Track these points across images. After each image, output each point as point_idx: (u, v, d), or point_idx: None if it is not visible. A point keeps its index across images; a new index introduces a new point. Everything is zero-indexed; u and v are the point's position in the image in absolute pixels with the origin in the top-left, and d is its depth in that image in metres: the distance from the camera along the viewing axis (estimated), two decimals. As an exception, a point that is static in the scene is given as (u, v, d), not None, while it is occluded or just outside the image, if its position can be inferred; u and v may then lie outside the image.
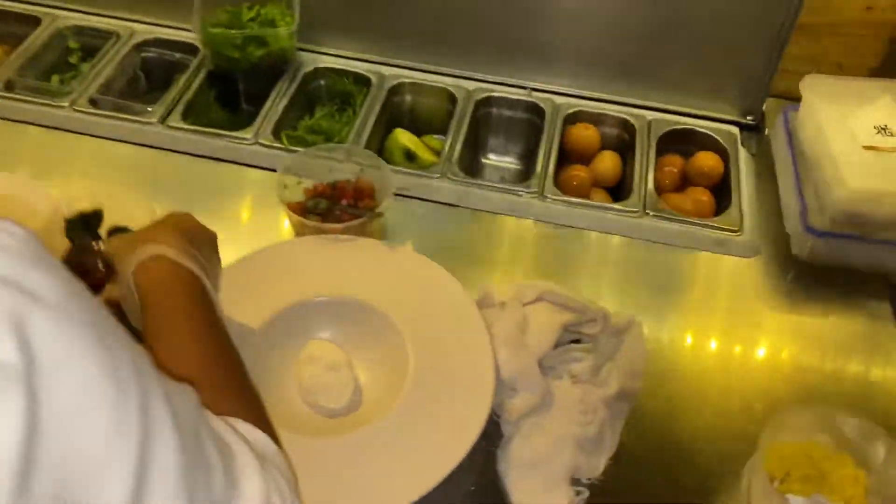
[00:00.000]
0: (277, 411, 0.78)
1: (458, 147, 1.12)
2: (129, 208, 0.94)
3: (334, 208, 0.98)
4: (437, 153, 1.21)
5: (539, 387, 0.82)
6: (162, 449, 0.36)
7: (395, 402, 0.79)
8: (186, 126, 1.13)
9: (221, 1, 1.20)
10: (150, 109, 1.14)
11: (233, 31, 1.16)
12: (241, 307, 0.84)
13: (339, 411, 0.81)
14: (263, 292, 0.87)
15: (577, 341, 0.89)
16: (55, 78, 1.24)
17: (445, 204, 1.07)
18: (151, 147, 1.12)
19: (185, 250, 0.64)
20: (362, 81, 1.23)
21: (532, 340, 0.85)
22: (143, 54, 1.27)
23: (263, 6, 1.19)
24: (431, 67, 1.24)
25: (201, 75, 1.21)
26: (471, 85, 1.22)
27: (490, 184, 1.08)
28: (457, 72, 1.23)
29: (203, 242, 0.70)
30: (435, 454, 0.75)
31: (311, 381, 0.81)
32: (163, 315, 0.60)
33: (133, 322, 0.66)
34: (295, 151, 1.09)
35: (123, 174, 1.09)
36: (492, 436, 0.81)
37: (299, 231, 0.97)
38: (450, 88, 1.22)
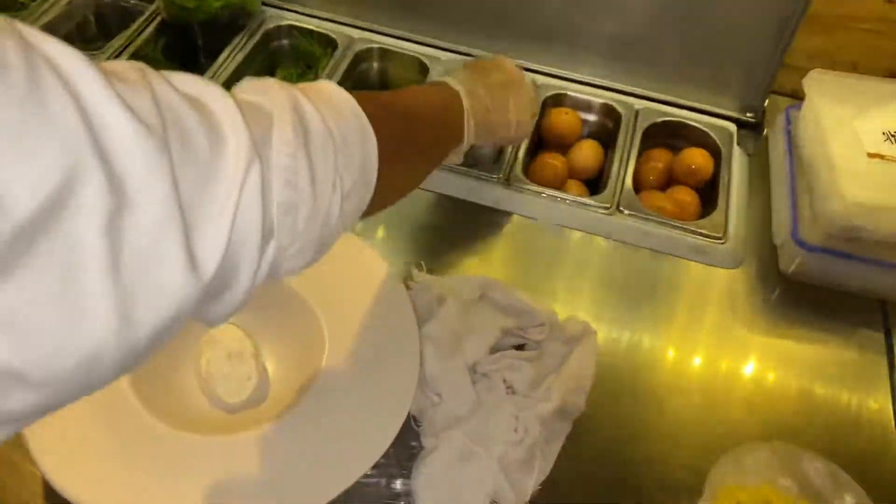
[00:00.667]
0: (171, 403, 0.69)
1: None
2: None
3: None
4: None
5: (466, 396, 0.72)
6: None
7: (303, 400, 0.69)
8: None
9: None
10: (92, 55, 1.04)
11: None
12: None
13: (239, 406, 0.72)
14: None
15: (521, 347, 0.79)
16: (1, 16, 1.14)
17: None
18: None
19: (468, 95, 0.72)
20: (328, 43, 1.13)
21: (467, 343, 0.75)
22: (97, -2, 1.18)
23: (226, -47, 1.09)
24: (405, 34, 1.13)
25: (154, 24, 1.11)
26: (444, 56, 1.12)
27: (450, 166, 0.97)
28: (431, 40, 1.13)
29: (497, 90, 0.76)
30: (338, 462, 0.65)
31: (209, 369, 0.71)
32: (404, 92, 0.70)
33: None
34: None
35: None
36: (411, 448, 0.71)
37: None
38: (422, 58, 1.11)
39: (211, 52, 1.15)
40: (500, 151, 1.00)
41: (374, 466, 0.66)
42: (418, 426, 0.72)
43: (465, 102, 0.72)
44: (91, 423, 0.66)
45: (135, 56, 1.07)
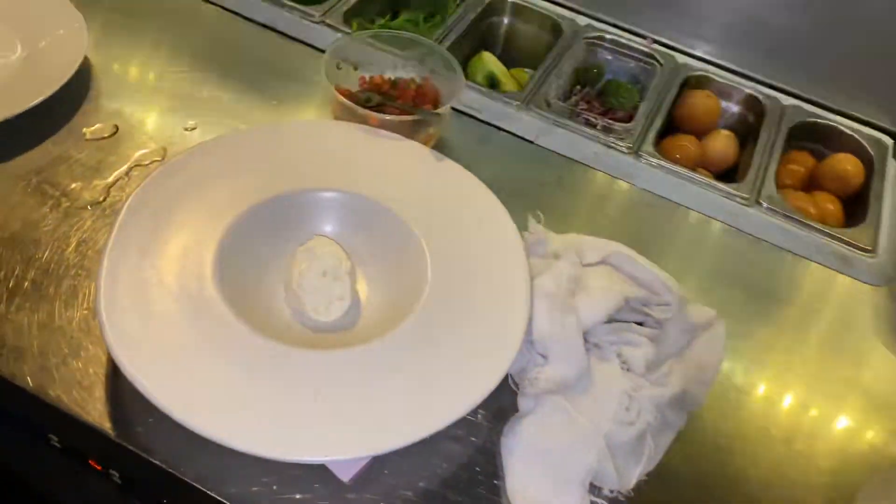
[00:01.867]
0: (254, 306, 0.63)
1: (551, 83, 0.94)
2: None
3: (388, 107, 0.82)
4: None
5: (577, 360, 0.63)
6: None
7: (396, 332, 0.62)
8: (253, -10, 0.98)
9: None
10: (217, -36, 1.00)
11: None
12: (255, 174, 0.69)
13: (324, 326, 0.65)
14: (284, 165, 0.71)
15: (640, 324, 0.70)
16: None
17: (520, 138, 0.89)
18: (211, 3, 0.98)
19: None
20: (459, -8, 1.07)
21: (583, 304, 0.66)
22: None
23: None
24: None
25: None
26: (582, 20, 1.04)
27: (579, 127, 0.89)
28: (568, 2, 1.05)
29: None
30: (428, 403, 0.58)
31: (301, 280, 0.65)
32: None
33: None
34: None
35: (171, 23, 0.95)
36: (504, 407, 0.63)
37: (341, 118, 0.81)
38: (557, 19, 1.04)
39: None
40: (631, 124, 0.92)
41: (460, 419, 0.58)
42: (516, 385, 0.64)
43: None
44: (170, 315, 0.59)
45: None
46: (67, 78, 0.79)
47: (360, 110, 0.77)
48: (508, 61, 1.07)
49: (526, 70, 1.06)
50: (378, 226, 0.70)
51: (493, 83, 1.01)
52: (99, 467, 0.72)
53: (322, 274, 0.65)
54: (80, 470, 0.76)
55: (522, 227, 0.72)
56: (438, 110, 0.79)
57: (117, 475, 0.71)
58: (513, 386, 0.64)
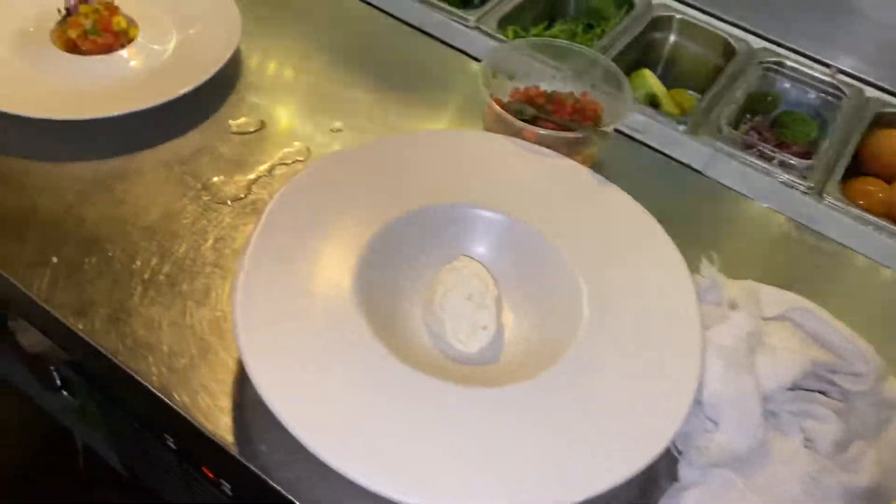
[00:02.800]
0: (392, 325, 0.58)
1: (722, 109, 0.85)
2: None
3: (543, 121, 0.75)
4: (684, 113, 0.95)
5: (753, 430, 0.55)
6: None
7: (546, 373, 0.55)
8: (406, -12, 0.95)
9: None
10: (372, -39, 0.97)
11: None
12: (402, 183, 0.64)
13: (463, 356, 0.59)
14: (432, 176, 0.66)
15: (823, 393, 0.60)
16: None
17: (685, 165, 0.81)
18: (362, 1, 0.95)
19: None
20: (622, 3, 0.99)
21: (763, 366, 0.57)
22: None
23: None
24: (711, 9, 0.98)
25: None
26: (756, 42, 0.95)
27: (751, 159, 0.80)
28: (743, 23, 0.96)
29: None
30: (580, 463, 0.51)
31: (443, 302, 0.59)
32: None
33: None
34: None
35: (320, 19, 0.93)
36: (656, 470, 0.55)
37: (491, 127, 0.76)
38: (729, 39, 0.94)
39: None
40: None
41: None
42: (678, 453, 0.56)
43: None
44: (306, 329, 0.55)
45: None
46: (219, 67, 0.77)
47: (518, 123, 0.71)
48: (667, 81, 0.98)
49: (689, 92, 0.98)
50: (529, 251, 0.63)
51: (652, 103, 0.93)
52: (211, 475, 0.69)
53: (467, 298, 0.59)
54: (192, 474, 0.73)
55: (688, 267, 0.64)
56: (604, 128, 0.72)
57: (229, 487, 0.67)
58: (674, 451, 0.56)
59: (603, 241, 0.63)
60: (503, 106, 0.76)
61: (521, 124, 0.71)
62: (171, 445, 0.71)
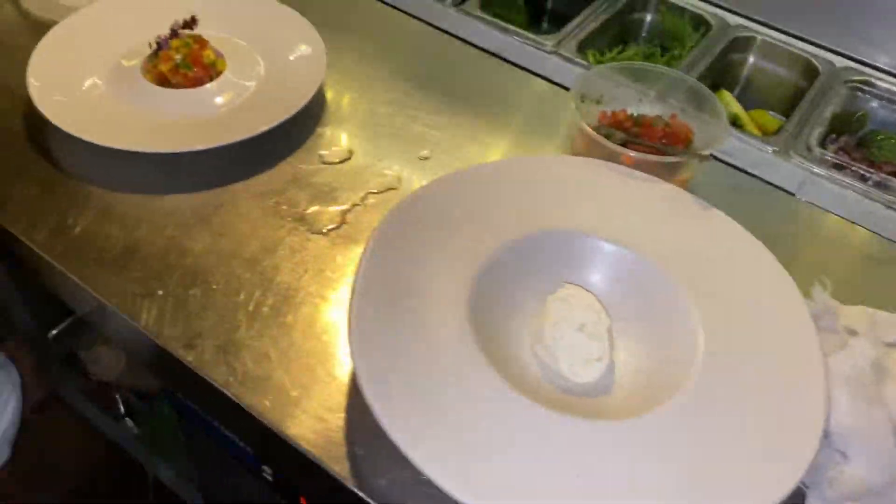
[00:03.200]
0: (501, 351, 0.57)
1: (811, 129, 0.84)
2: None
3: (633, 145, 0.75)
4: (766, 135, 0.94)
5: (887, 463, 0.53)
6: None
7: (665, 406, 0.54)
8: (481, 14, 0.95)
9: None
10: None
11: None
12: (502, 210, 0.64)
13: (577, 388, 0.58)
14: (531, 203, 0.66)
15: (952, 424, 0.58)
16: None
17: (776, 187, 0.79)
18: (437, 28, 0.96)
19: None
20: (699, 24, 0.98)
21: (890, 395, 0.56)
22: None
23: None
24: (792, 29, 0.96)
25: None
26: (839, 61, 0.93)
27: (848, 181, 0.78)
28: (824, 41, 0.95)
29: None
30: (707, 500, 0.49)
31: (554, 335, 0.58)
32: None
33: None
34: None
35: (397, 46, 0.93)
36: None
37: (582, 151, 0.75)
38: (812, 59, 0.93)
39: (557, 18, 1.06)
40: None
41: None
42: (806, 487, 0.54)
43: None
44: (421, 357, 0.54)
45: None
46: (308, 99, 0.78)
47: (616, 147, 0.70)
48: (745, 102, 0.97)
49: (769, 113, 0.96)
50: (638, 279, 0.62)
51: (733, 125, 0.92)
52: (309, 506, 0.68)
53: (579, 329, 0.58)
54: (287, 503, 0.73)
55: (802, 293, 0.62)
56: (703, 151, 0.71)
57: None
58: (801, 484, 0.54)
59: (710, 267, 0.62)
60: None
61: (620, 149, 0.70)
62: (268, 477, 0.71)
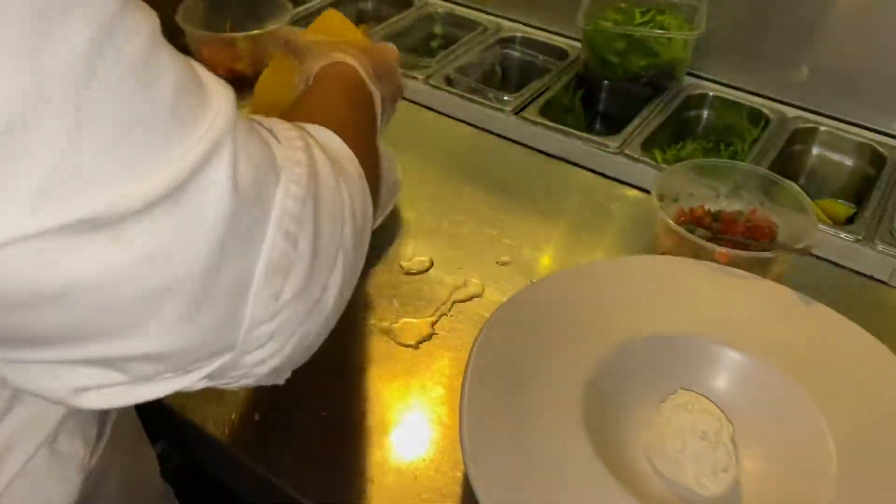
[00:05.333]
0: (624, 464, 0.54)
1: (891, 215, 0.83)
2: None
3: (715, 239, 0.74)
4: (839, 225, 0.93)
5: None
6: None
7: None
8: (542, 121, 0.96)
9: (610, 1, 1.05)
10: (506, 98, 1.00)
11: (619, 29, 0.99)
12: (602, 314, 0.62)
13: (700, 500, 0.54)
14: (632, 305, 0.64)
15: None
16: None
17: (865, 276, 0.77)
18: (497, 135, 0.98)
19: (368, 73, 0.63)
20: (757, 119, 0.99)
21: None
22: (505, 50, 1.16)
23: (661, 13, 1.02)
24: (845, 116, 0.97)
25: (566, 77, 1.06)
26: (901, 147, 0.93)
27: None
28: (885, 128, 0.95)
29: (387, 77, 0.67)
30: None
31: (675, 444, 0.55)
32: (321, 88, 0.60)
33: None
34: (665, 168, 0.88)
35: (462, 156, 0.95)
36: None
37: (669, 251, 0.74)
38: (876, 146, 0.93)
39: (609, 117, 1.08)
40: None
41: None
42: None
43: (358, 66, 0.62)
44: (542, 471, 0.52)
45: (549, 102, 1.01)
46: (388, 211, 0.78)
47: (708, 245, 0.69)
48: (810, 192, 0.96)
49: (839, 201, 0.95)
50: (754, 382, 0.60)
51: (804, 216, 0.91)
52: None
53: (701, 437, 0.55)
54: None
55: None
56: (798, 245, 0.69)
57: None
58: None
59: (829, 368, 0.60)
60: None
61: (713, 246, 0.69)
62: None
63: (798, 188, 0.75)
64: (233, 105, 0.34)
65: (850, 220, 0.92)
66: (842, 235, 0.80)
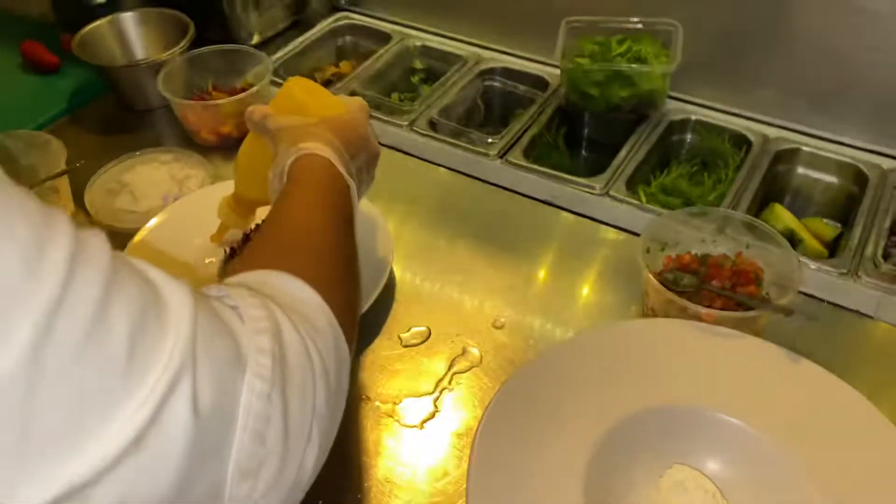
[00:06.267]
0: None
1: (878, 242, 0.84)
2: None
3: (702, 288, 0.76)
4: (825, 244, 0.94)
5: None
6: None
7: None
8: (527, 164, 0.98)
9: (586, 31, 1.05)
10: (490, 141, 1.01)
11: (596, 66, 1.00)
12: (587, 398, 0.65)
13: (707, 578, 0.57)
14: (617, 382, 0.66)
15: None
16: (395, 96, 1.17)
17: (853, 311, 0.79)
18: (483, 181, 0.99)
19: (342, 157, 0.64)
20: (739, 141, 1.00)
21: None
22: (486, 82, 1.16)
23: (637, 42, 1.02)
24: (828, 134, 0.98)
25: (548, 111, 1.07)
26: (886, 163, 0.94)
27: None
28: (867, 145, 0.96)
29: (361, 151, 0.69)
30: None
31: (675, 523, 0.58)
32: (297, 190, 0.60)
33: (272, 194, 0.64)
34: (652, 211, 0.90)
35: (450, 205, 0.96)
36: None
37: (658, 308, 0.76)
38: (858, 165, 0.94)
39: (594, 144, 1.10)
40: None
41: None
42: None
43: (330, 155, 0.62)
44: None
45: (533, 141, 1.02)
46: (383, 285, 0.80)
47: (697, 308, 0.71)
48: (797, 210, 0.98)
49: (824, 220, 0.97)
50: (747, 449, 0.62)
51: (790, 238, 0.93)
52: None
53: (699, 513, 0.58)
54: None
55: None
56: (783, 301, 0.71)
57: None
58: None
59: (823, 431, 0.62)
60: (659, 276, 0.76)
61: (702, 309, 0.71)
62: None
63: (777, 233, 0.76)
64: (191, 313, 0.35)
65: (836, 240, 0.94)
66: (826, 269, 0.81)
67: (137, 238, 0.86)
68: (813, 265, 0.82)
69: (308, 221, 0.56)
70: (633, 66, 0.99)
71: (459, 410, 0.72)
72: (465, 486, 0.59)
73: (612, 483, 0.61)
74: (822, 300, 0.81)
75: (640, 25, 1.03)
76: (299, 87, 0.74)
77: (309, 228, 0.56)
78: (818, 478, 0.59)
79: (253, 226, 0.84)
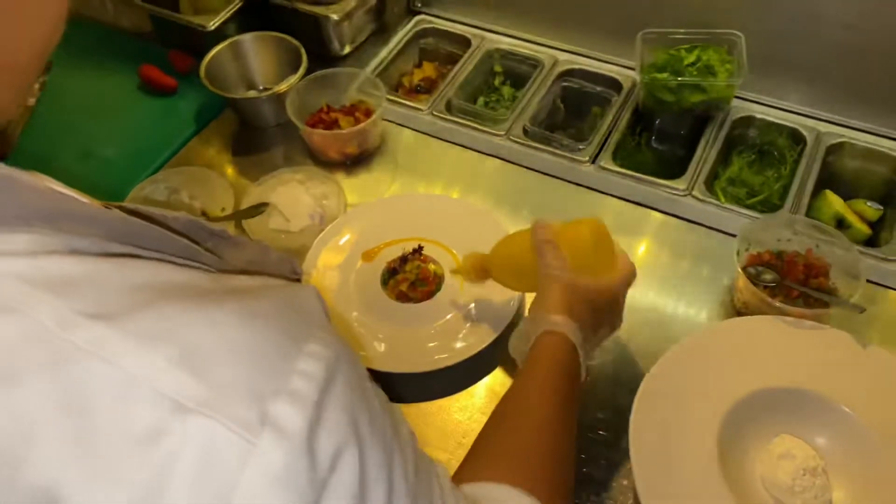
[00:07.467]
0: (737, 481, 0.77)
1: (918, 230, 1.02)
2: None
3: (782, 283, 0.95)
4: (870, 224, 1.12)
5: None
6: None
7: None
8: (617, 168, 1.14)
9: (657, 41, 1.19)
10: (581, 147, 1.16)
11: (673, 79, 1.15)
12: (702, 385, 0.84)
13: (808, 520, 0.78)
14: (728, 371, 0.86)
15: None
16: (480, 100, 1.31)
17: (899, 291, 0.98)
18: (580, 185, 1.14)
19: (587, 336, 0.71)
20: (795, 137, 1.17)
21: None
22: (564, 84, 1.30)
23: (704, 52, 1.16)
24: (880, 129, 1.14)
25: (626, 115, 1.22)
26: (925, 152, 1.11)
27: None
28: (904, 135, 1.13)
29: (606, 326, 0.75)
30: None
31: (787, 480, 0.79)
32: (537, 376, 0.68)
33: (513, 354, 0.76)
34: (729, 209, 1.07)
35: (550, 209, 1.12)
36: None
37: (748, 303, 0.95)
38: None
39: (665, 138, 1.25)
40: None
41: None
42: None
43: (579, 343, 0.70)
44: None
45: (619, 145, 1.17)
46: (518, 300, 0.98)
47: (789, 308, 0.89)
48: (847, 193, 1.14)
49: (868, 203, 1.14)
50: (839, 423, 0.82)
51: (840, 223, 1.10)
52: None
53: (805, 472, 0.79)
54: None
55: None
56: (854, 296, 0.90)
57: None
58: None
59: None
60: (743, 271, 0.95)
61: (794, 309, 0.89)
62: None
63: (842, 235, 0.94)
64: None
65: (878, 221, 1.12)
66: (879, 255, 1.00)
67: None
68: (869, 254, 1.00)
69: (541, 420, 0.65)
70: (707, 80, 1.13)
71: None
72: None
73: (736, 445, 0.82)
74: (878, 283, 0.99)
75: (706, 36, 1.17)
76: (593, 235, 0.78)
77: (541, 428, 0.64)
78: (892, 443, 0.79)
79: (410, 249, 1.00)
